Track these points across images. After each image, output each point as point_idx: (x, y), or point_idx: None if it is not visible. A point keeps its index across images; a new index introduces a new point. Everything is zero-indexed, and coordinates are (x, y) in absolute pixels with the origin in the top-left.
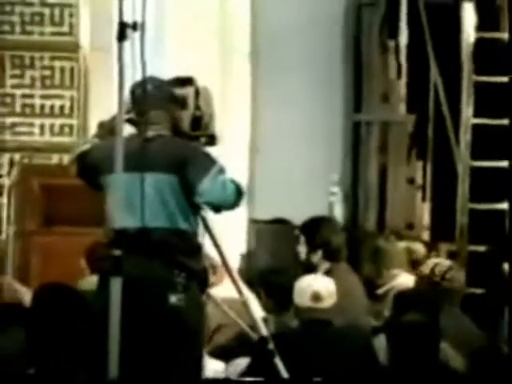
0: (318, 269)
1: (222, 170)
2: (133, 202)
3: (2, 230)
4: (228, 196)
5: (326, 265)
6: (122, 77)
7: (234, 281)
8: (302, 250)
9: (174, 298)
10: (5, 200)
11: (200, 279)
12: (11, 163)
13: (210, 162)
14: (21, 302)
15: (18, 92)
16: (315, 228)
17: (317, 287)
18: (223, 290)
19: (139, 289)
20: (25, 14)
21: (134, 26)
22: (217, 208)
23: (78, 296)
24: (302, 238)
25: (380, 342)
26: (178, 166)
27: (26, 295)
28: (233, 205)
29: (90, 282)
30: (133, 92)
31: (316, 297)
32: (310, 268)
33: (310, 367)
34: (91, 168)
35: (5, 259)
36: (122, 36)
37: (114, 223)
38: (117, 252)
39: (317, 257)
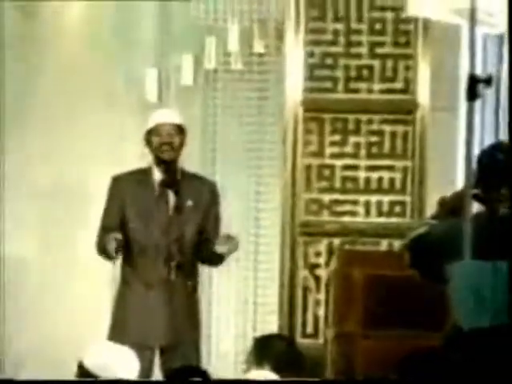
0: None
1: None
2: (482, 295)
3: (319, 332)
4: None
5: None
6: (470, 143)
7: None
8: None
9: None
10: (322, 296)
11: None
12: (330, 250)
13: None
14: None
15: (339, 163)
16: None
17: None
18: None
19: None
20: (350, 68)
21: (488, 81)
22: None
23: None
24: None
25: None
26: None
27: None
28: None
29: None
30: (480, 162)
31: None
32: None
33: None
34: (428, 255)
35: (323, 367)
36: (472, 93)
37: (460, 322)
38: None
39: None
